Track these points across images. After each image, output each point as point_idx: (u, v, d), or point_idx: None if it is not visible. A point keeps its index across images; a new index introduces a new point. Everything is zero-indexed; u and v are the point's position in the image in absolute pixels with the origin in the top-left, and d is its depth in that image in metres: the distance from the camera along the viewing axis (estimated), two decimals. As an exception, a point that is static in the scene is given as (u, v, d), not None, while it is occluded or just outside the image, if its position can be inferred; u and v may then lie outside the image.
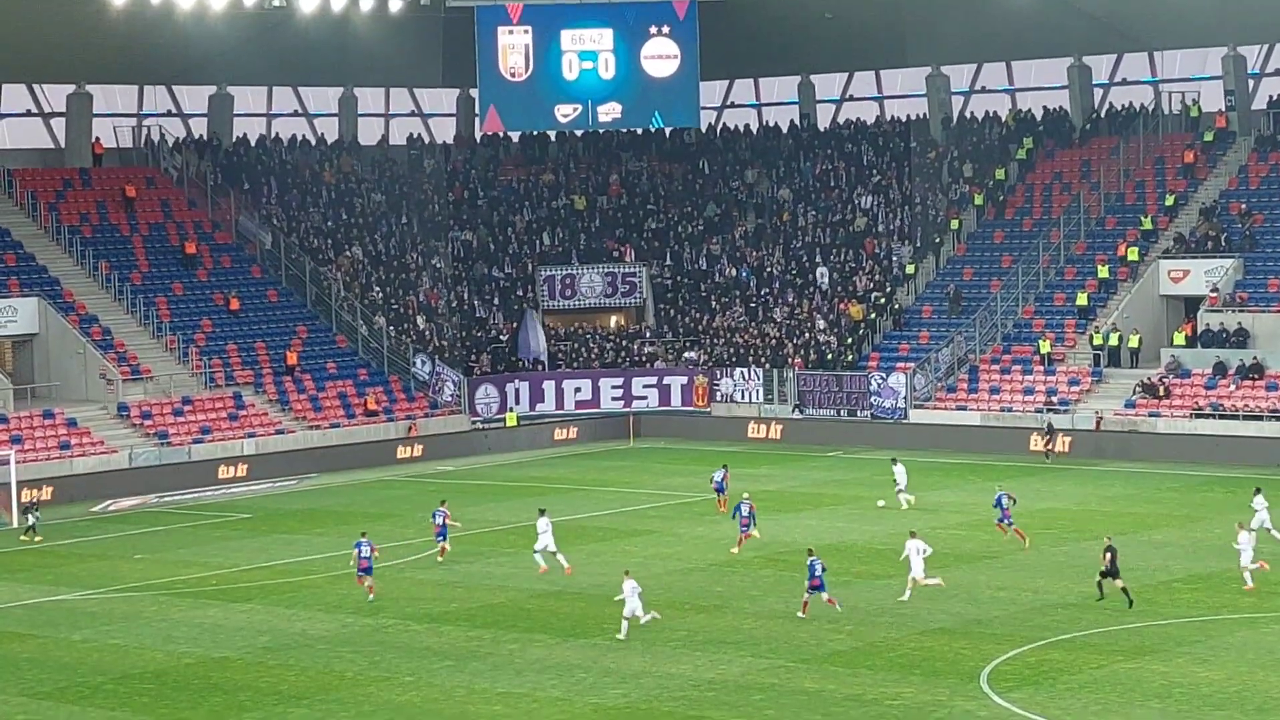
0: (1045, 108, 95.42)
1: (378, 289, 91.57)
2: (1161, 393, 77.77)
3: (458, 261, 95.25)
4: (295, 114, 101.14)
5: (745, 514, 57.54)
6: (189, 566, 57.71)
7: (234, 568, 57.31)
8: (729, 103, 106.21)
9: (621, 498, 69.64)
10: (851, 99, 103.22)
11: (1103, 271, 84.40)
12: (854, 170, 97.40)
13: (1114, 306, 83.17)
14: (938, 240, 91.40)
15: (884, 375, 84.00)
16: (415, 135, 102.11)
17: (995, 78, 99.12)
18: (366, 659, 44.65)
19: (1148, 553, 55.28)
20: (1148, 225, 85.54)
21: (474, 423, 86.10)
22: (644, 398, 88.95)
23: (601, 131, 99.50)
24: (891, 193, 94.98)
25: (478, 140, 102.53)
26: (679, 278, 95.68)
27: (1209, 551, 54.36)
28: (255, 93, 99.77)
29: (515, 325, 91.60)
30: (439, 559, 56.83)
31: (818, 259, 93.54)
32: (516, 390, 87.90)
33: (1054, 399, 79.91)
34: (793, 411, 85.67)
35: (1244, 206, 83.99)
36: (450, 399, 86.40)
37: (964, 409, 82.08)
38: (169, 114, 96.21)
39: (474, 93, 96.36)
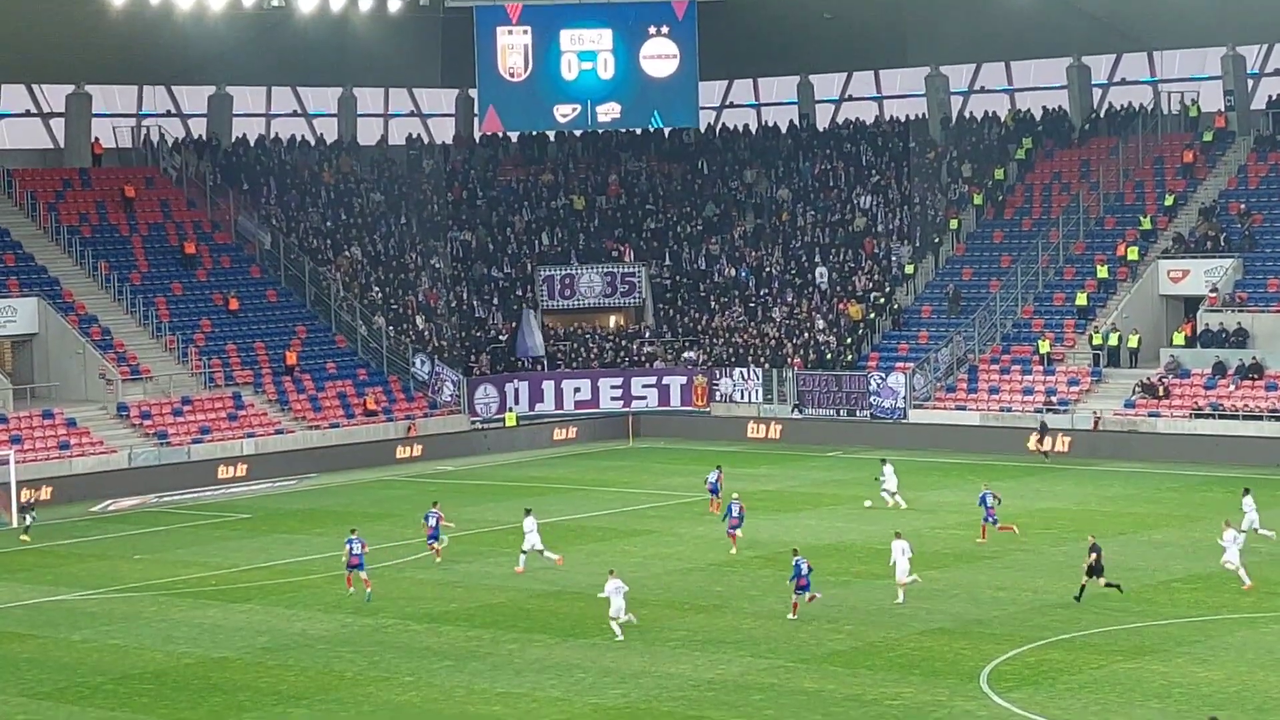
0: (1044, 108, 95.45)
1: (377, 289, 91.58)
2: (1161, 393, 77.78)
3: (457, 261, 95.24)
4: (294, 114, 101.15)
5: (735, 514, 57.75)
6: (188, 567, 57.71)
7: (233, 568, 57.31)
8: (728, 103, 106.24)
9: (621, 498, 69.65)
10: (851, 99, 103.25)
11: (1102, 271, 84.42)
12: (853, 170, 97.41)
13: (1113, 306, 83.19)
14: (937, 240, 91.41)
15: (883, 375, 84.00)
16: (414, 135, 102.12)
17: (994, 78, 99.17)
18: (366, 659, 44.66)
19: (1147, 553, 55.31)
20: (1147, 225, 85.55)
21: (473, 423, 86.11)
22: (643, 398, 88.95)
23: (601, 131, 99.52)
24: (891, 193, 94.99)
25: (477, 140, 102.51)
26: (678, 278, 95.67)
27: (1209, 551, 54.28)
28: (254, 93, 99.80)
29: (514, 325, 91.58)
30: (436, 560, 56.82)
31: (817, 259, 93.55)
32: (516, 390, 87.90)
33: (1053, 399, 79.92)
34: (792, 411, 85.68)
35: (1243, 206, 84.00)
36: (449, 399, 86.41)
37: (963, 409, 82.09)
38: (168, 114, 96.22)
39: (473, 93, 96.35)
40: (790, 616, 47.49)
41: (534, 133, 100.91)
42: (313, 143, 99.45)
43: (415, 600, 51.28)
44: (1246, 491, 56.43)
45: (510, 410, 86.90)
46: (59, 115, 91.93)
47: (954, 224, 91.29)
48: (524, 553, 54.48)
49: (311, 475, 77.81)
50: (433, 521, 57.07)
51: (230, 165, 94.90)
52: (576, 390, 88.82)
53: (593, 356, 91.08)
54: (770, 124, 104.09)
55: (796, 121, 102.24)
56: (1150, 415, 77.35)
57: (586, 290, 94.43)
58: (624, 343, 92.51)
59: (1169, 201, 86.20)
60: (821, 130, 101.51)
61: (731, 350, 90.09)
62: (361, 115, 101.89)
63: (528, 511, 55.76)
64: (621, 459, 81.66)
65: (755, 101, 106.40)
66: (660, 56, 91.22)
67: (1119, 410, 78.22)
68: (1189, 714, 37.91)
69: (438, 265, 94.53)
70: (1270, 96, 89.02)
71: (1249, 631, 45.00)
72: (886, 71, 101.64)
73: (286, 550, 59.63)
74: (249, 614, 50.26)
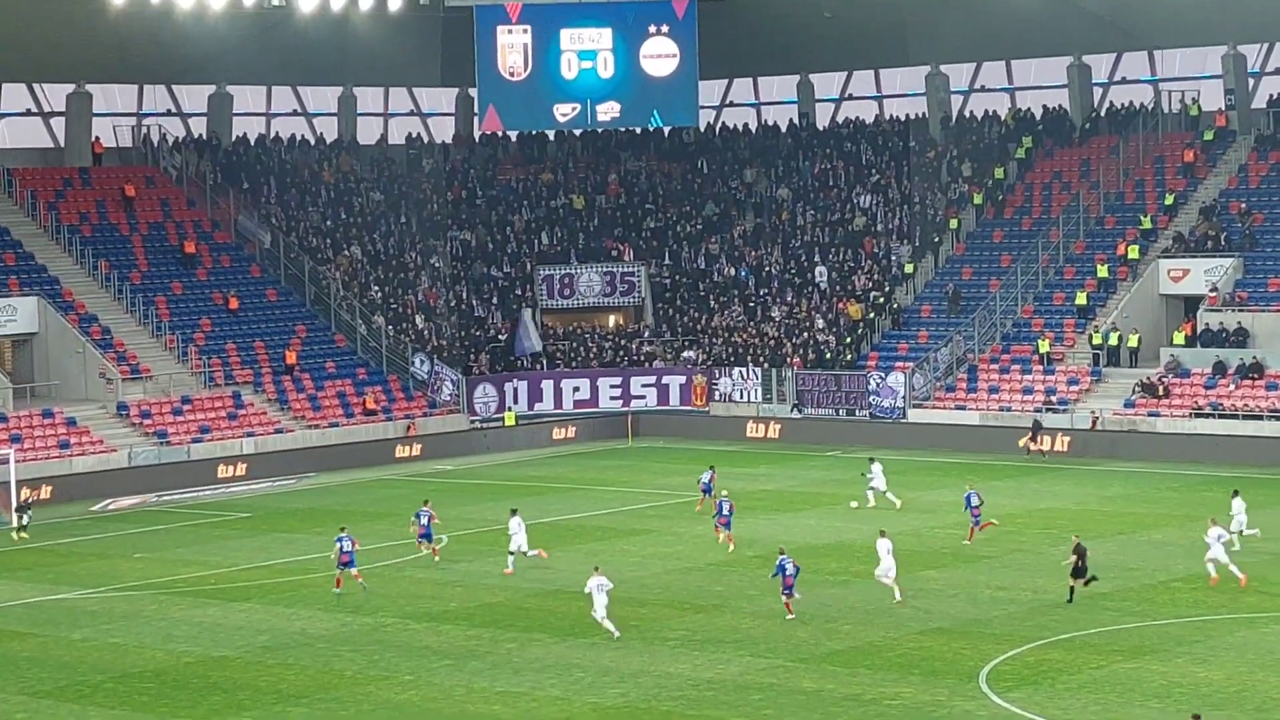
0: (1045, 107, 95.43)
1: (376, 288, 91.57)
2: (1161, 392, 77.78)
3: (456, 261, 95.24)
4: (294, 113, 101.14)
5: (725, 512, 58.00)
6: (188, 565, 57.72)
7: (233, 567, 57.32)
8: (728, 102, 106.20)
9: (620, 497, 69.65)
10: (850, 98, 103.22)
11: (1102, 271, 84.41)
12: (853, 169, 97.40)
13: (1113, 306, 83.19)
14: (937, 239, 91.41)
15: (883, 375, 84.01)
16: (414, 135, 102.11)
17: (994, 77, 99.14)
18: (365, 658, 44.66)
19: (1147, 552, 55.31)
20: (1147, 224, 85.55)
21: (472, 422, 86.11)
22: (642, 397, 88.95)
23: (600, 131, 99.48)
24: (890, 192, 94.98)
25: (476, 140, 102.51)
26: (678, 277, 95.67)
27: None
28: (254, 92, 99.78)
29: (512, 325, 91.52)
30: (435, 559, 56.84)
31: (816, 258, 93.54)
32: (515, 390, 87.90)
33: (1053, 398, 79.92)
34: (791, 411, 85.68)
35: (1244, 206, 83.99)
36: (449, 398, 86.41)
37: (963, 408, 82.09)
38: (168, 113, 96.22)
39: (473, 92, 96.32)
40: (789, 617, 47.47)
41: (534, 132, 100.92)
42: (313, 142, 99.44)
43: (415, 599, 51.28)
44: (1236, 494, 56.41)
45: (509, 410, 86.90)
46: (59, 114, 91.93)
47: (954, 223, 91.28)
48: (511, 554, 54.51)
49: (311, 474, 77.81)
50: (424, 520, 57.09)
51: (230, 164, 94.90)
52: (575, 390, 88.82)
53: (592, 356, 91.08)
54: (770, 123, 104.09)
55: (796, 121, 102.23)
56: (1150, 415, 77.35)
57: (586, 289, 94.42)
58: (623, 342, 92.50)
59: (1169, 201, 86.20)
60: (821, 129, 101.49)
61: (731, 350, 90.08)
62: (361, 114, 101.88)
63: (514, 511, 55.80)
64: (620, 458, 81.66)
65: (755, 101, 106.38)
66: (660, 56, 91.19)
67: (1119, 410, 78.21)
68: (1189, 714, 37.85)
69: (437, 264, 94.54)
70: (1271, 95, 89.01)
71: (1249, 631, 45.00)
72: (886, 70, 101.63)
73: (286, 549, 59.64)
74: (249, 613, 50.27)
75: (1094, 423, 77.79)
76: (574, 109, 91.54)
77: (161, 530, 65.35)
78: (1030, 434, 76.71)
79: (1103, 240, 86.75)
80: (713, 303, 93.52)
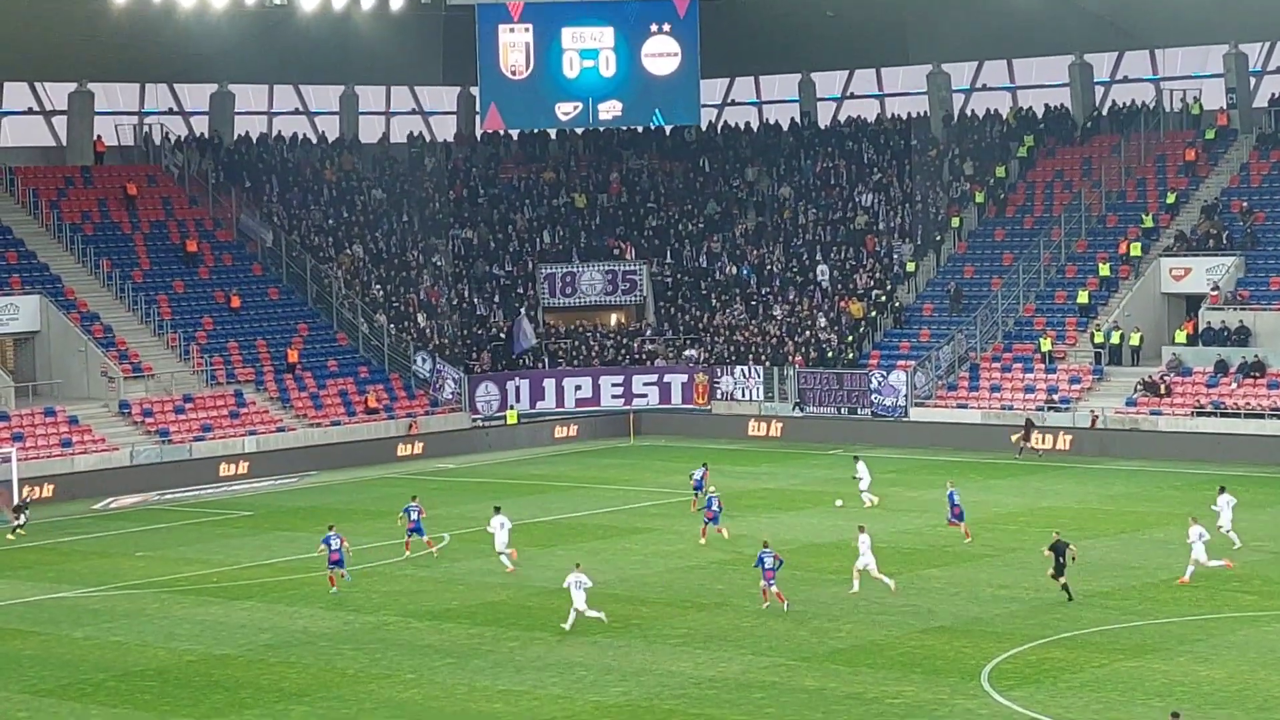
0: (1046, 105, 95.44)
1: (378, 287, 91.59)
2: (1163, 391, 77.79)
3: (458, 259, 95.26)
4: (296, 112, 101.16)
5: (714, 508, 58.44)
6: (190, 564, 57.74)
7: (235, 565, 57.34)
8: (730, 100, 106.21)
9: (622, 495, 69.65)
10: (852, 97, 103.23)
11: (1104, 269, 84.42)
12: (855, 168, 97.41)
13: (1115, 304, 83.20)
14: (938, 238, 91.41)
15: (885, 373, 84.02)
16: (416, 133, 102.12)
17: (996, 75, 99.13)
18: (368, 656, 44.68)
19: (1149, 551, 55.29)
20: (1149, 223, 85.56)
21: (474, 420, 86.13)
22: (644, 395, 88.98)
23: (602, 129, 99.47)
24: (892, 190, 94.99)
25: (478, 138, 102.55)
26: (679, 275, 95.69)
27: (1210, 550, 54.25)
28: (256, 91, 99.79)
29: (510, 325, 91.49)
30: (432, 552, 56.90)
31: (818, 257, 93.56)
32: (517, 388, 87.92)
33: (1055, 397, 79.93)
34: (793, 409, 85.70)
35: (1245, 204, 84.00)
36: (451, 397, 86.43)
37: (965, 407, 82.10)
38: (170, 112, 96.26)
39: (475, 91, 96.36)
40: (784, 608, 47.68)
41: (535, 130, 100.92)
42: (315, 140, 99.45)
43: (417, 597, 51.30)
44: (1222, 490, 56.39)
45: (511, 408, 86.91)
46: (61, 113, 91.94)
47: (956, 222, 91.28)
48: (501, 551, 54.62)
49: (313, 473, 77.83)
50: (414, 515, 57.17)
51: (232, 163, 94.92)
52: (577, 388, 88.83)
53: (594, 354, 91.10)
54: (772, 122, 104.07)
55: (798, 119, 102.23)
56: (1152, 413, 77.35)
57: (588, 288, 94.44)
58: (625, 340, 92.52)
59: (1171, 199, 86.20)
60: (823, 128, 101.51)
61: (733, 348, 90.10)
62: (363, 113, 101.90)
63: (497, 510, 55.82)
64: (622, 457, 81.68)
65: (757, 99, 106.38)
66: (662, 54, 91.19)
67: (1121, 408, 78.22)
68: (1191, 713, 37.87)
69: (439, 263, 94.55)
70: (1272, 94, 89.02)
71: (1251, 630, 45.00)
72: (888, 69, 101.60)
73: (288, 548, 59.63)
74: (251, 611, 50.28)
75: (1094, 421, 77.80)
76: (576, 108, 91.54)
77: (163, 529, 65.37)
78: (1023, 433, 76.68)
79: (1104, 239, 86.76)
80: (714, 301, 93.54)
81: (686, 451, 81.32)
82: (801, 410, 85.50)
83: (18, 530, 63.71)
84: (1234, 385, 76.88)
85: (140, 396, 79.47)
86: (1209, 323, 79.75)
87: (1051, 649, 43.52)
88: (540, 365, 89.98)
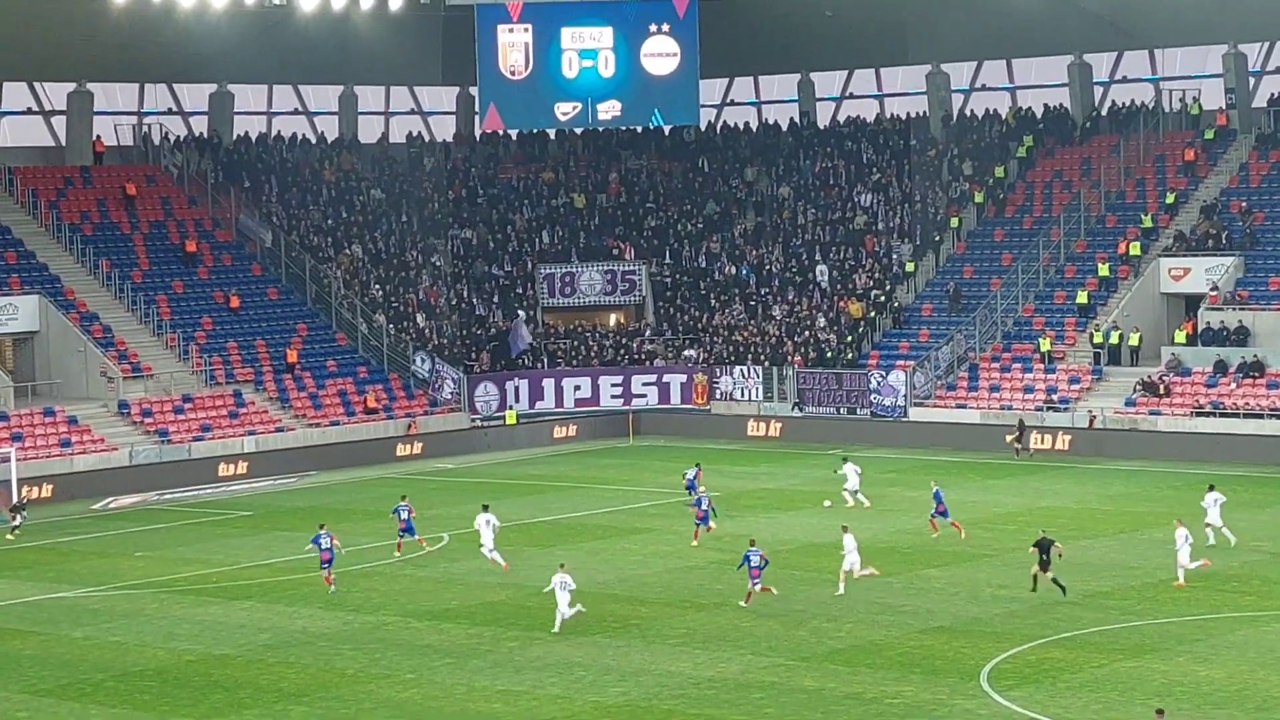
0: (1046, 105, 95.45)
1: (377, 287, 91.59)
2: (1162, 391, 77.79)
3: (457, 259, 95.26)
4: (295, 112, 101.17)
5: (703, 508, 58.62)
6: (190, 564, 57.73)
7: (235, 565, 57.34)
8: (729, 101, 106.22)
9: (621, 495, 69.65)
10: (851, 97, 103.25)
11: (1103, 269, 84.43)
12: (854, 168, 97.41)
13: (1114, 304, 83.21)
14: (938, 238, 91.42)
15: (884, 373, 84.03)
16: (415, 133, 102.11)
17: (995, 75, 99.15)
18: (367, 656, 44.68)
19: (1149, 551, 55.25)
20: (1148, 223, 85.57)
21: (473, 420, 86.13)
22: (643, 395, 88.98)
23: (601, 129, 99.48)
24: (891, 190, 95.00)
25: (477, 138, 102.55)
26: (678, 275, 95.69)
27: (1210, 550, 54.32)
28: (256, 91, 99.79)
29: (508, 328, 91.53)
30: (424, 548, 56.94)
31: (817, 257, 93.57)
32: (516, 388, 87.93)
33: (1054, 397, 79.94)
34: (792, 409, 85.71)
35: (1244, 204, 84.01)
36: (450, 397, 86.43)
37: (964, 407, 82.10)
38: (169, 112, 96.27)
39: (474, 91, 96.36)
40: (742, 604, 47.81)
41: (534, 131, 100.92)
42: (314, 140, 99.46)
43: (416, 597, 51.30)
44: (1211, 487, 56.42)
45: (510, 408, 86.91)
46: (60, 113, 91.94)
47: (955, 222, 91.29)
48: (493, 551, 54.67)
49: (312, 473, 77.83)
50: (404, 515, 57.25)
51: (231, 163, 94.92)
52: (577, 388, 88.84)
53: (593, 354, 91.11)
54: (771, 122, 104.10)
55: (797, 119, 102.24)
56: (1151, 413, 77.36)
57: (587, 288, 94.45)
58: (624, 340, 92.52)
59: (1170, 199, 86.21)
60: (822, 128, 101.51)
61: (732, 348, 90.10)
62: (362, 113, 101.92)
63: (485, 508, 55.84)
64: (622, 457, 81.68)
65: (756, 99, 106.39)
66: (661, 54, 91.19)
67: (1120, 408, 78.22)
68: (1190, 713, 37.91)
69: (438, 263, 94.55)
70: (1272, 94, 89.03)
71: (1250, 630, 45.00)
72: (887, 69, 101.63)
73: (288, 548, 59.57)
74: (250, 611, 50.28)
75: (1091, 421, 77.81)
76: (575, 108, 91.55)
77: (162, 529, 65.36)
78: (1017, 434, 76.67)
79: (1104, 239, 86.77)
80: (714, 301, 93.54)
81: (686, 451, 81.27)
82: (801, 410, 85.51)
83: (15, 531, 63.65)
84: (1233, 385, 76.88)
85: (139, 396, 79.47)
86: (1208, 323, 79.75)
87: (1051, 649, 43.52)
88: (539, 365, 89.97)
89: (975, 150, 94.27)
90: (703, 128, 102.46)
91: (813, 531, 60.04)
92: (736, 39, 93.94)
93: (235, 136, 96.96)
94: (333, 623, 48.46)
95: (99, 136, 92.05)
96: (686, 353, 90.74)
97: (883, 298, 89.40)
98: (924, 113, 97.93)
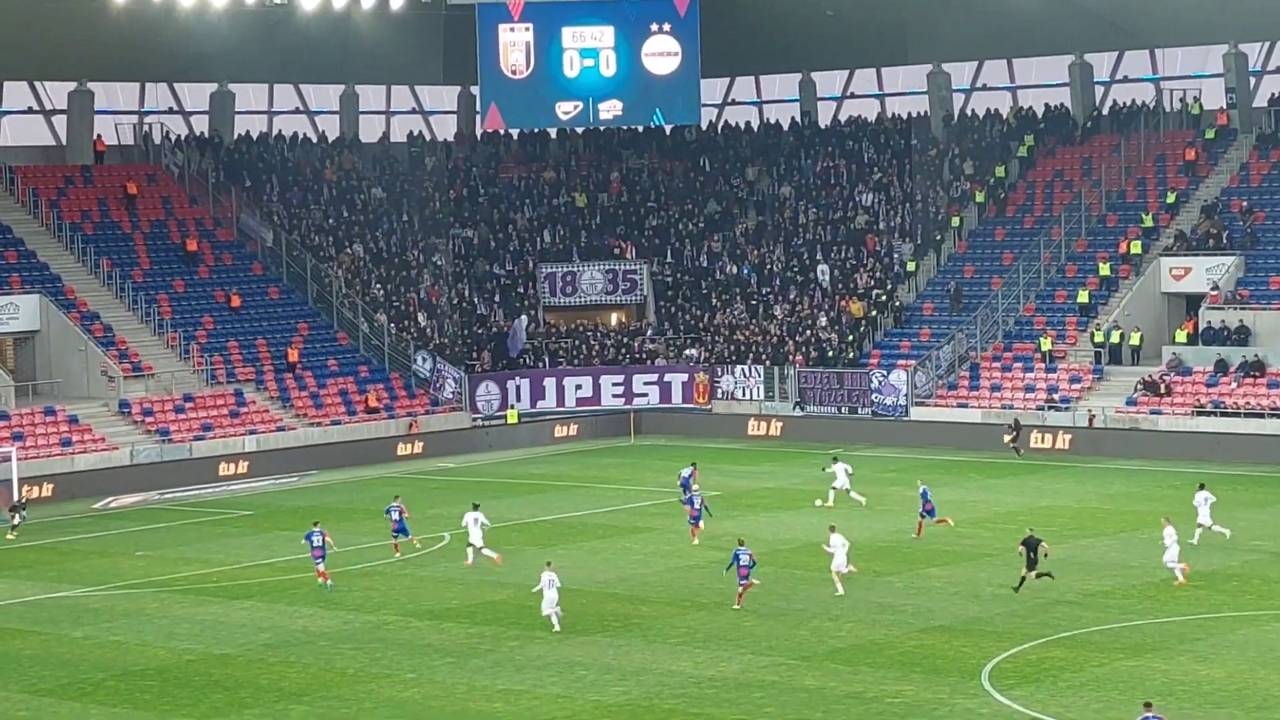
0: (1046, 105, 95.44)
1: (379, 286, 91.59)
2: (1163, 390, 77.79)
3: (459, 259, 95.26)
4: (296, 111, 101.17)
5: (695, 506, 58.73)
6: (190, 563, 57.74)
7: (235, 564, 57.35)
8: (730, 100, 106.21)
9: (622, 495, 69.65)
10: (852, 96, 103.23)
11: (1104, 269, 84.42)
12: (855, 167, 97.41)
13: (1115, 304, 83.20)
14: (939, 237, 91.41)
15: (885, 372, 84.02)
16: (416, 132, 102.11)
17: (996, 75, 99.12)
18: (367, 656, 44.68)
19: (1149, 550, 55.15)
20: (1149, 223, 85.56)
21: (475, 420, 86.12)
22: (645, 395, 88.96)
23: (602, 129, 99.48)
24: (892, 190, 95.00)
25: (479, 137, 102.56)
26: (680, 275, 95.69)
27: (1210, 549, 54.36)
28: (257, 90, 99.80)
29: (508, 327, 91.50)
30: (397, 553, 56.96)
31: (819, 256, 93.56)
32: (517, 387, 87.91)
33: (1055, 396, 79.92)
34: (793, 409, 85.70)
35: (1245, 204, 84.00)
36: (451, 396, 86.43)
37: (965, 406, 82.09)
38: (170, 111, 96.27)
39: (475, 90, 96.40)
40: (735, 606, 47.80)
41: (536, 130, 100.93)
42: (315, 140, 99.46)
43: (417, 597, 51.30)
44: (1201, 487, 56.41)
45: (512, 407, 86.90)
46: (61, 112, 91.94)
47: (956, 221, 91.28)
48: (481, 549, 54.73)
49: (313, 472, 77.83)
50: (395, 515, 57.31)
51: (232, 162, 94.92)
52: (578, 387, 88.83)
53: (594, 354, 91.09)
54: (772, 121, 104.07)
55: (798, 119, 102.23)
56: (1152, 413, 77.35)
57: (588, 287, 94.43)
58: (626, 340, 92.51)
59: (1171, 199, 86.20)
60: (823, 127, 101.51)
61: (733, 348, 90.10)
62: (363, 112, 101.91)
63: (475, 506, 55.86)
64: (623, 456, 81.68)
65: (757, 99, 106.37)
66: (662, 54, 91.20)
67: (1121, 408, 78.21)
68: (1190, 712, 37.92)
69: (439, 262, 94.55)
70: (1272, 94, 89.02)
71: (1251, 629, 45.00)
72: (888, 69, 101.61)
73: (288, 547, 59.57)
74: (251, 611, 50.28)
75: (1091, 420, 77.81)
76: (576, 107, 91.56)
77: (163, 528, 65.36)
78: (1014, 434, 76.66)
79: (1104, 238, 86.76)
80: (715, 301, 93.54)
81: (687, 451, 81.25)
82: (802, 410, 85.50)
83: (14, 530, 63.61)
84: (1234, 385, 76.87)
85: (140, 396, 79.48)
86: (1209, 322, 79.75)
87: (1051, 648, 43.52)
88: (541, 365, 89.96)
89: (976, 150, 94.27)
90: (704, 127, 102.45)
91: (814, 531, 59.93)
92: (737, 38, 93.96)
93: (236, 136, 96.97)
94: (333, 622, 48.46)
95: (100, 136, 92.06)
96: (688, 352, 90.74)
97: (884, 297, 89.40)
98: (925, 112, 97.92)
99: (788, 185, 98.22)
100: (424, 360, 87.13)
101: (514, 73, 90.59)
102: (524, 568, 54.37)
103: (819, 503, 64.19)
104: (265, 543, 61.20)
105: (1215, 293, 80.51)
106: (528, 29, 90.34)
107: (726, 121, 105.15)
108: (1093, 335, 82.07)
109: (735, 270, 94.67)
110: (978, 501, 64.75)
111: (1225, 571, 51.24)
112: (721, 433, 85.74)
